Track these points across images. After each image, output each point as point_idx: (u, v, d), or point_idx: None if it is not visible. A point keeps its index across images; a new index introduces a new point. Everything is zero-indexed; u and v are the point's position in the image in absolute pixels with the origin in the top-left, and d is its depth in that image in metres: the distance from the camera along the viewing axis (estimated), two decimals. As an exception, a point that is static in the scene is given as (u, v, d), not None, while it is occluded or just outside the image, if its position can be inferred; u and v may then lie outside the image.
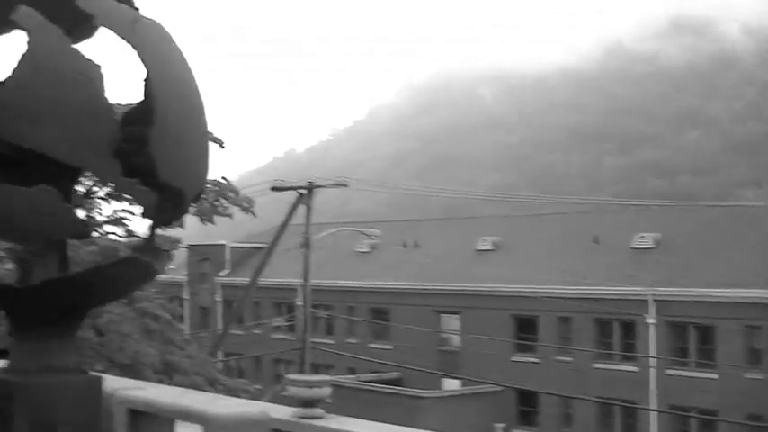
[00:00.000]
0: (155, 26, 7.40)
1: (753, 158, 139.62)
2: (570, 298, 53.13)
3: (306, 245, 37.66)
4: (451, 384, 57.62)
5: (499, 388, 52.01)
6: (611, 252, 55.64)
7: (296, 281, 61.53)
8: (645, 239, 55.52)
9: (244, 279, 65.04)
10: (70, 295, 7.47)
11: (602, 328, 54.09)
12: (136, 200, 7.32)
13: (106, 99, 6.79)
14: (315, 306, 49.03)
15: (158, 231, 8.34)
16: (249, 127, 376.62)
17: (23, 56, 6.72)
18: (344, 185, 41.36)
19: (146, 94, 7.15)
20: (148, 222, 7.91)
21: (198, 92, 7.69)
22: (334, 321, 65.62)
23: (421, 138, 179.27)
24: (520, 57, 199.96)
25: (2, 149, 7.58)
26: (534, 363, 55.50)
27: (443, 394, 55.14)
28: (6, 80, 6.68)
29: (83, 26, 7.67)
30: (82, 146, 6.69)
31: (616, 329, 53.68)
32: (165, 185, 7.27)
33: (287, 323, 66.99)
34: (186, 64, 7.61)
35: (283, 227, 37.98)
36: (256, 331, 68.32)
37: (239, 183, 33.40)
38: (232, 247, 75.97)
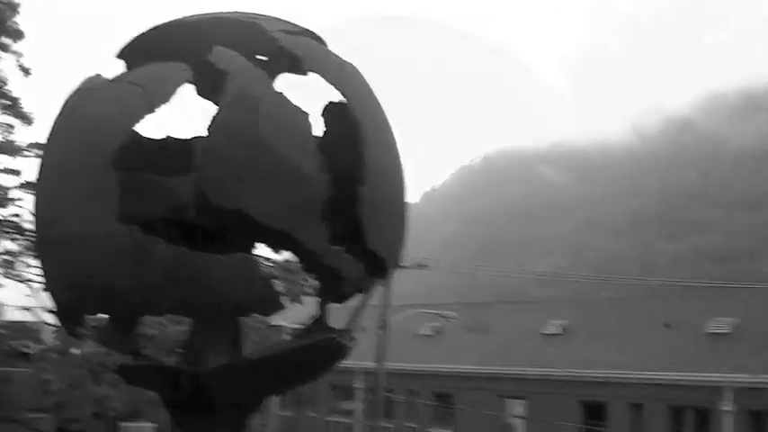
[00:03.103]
0: (358, 72, 6.54)
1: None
2: (642, 383, 51.51)
3: (383, 327, 36.67)
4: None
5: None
6: (684, 336, 53.94)
7: (356, 363, 60.49)
8: (721, 324, 53.82)
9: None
10: (255, 381, 6.48)
11: (675, 416, 52.23)
12: (339, 271, 6.29)
13: (317, 153, 5.89)
14: (375, 389, 47.96)
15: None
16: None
17: (223, 103, 5.85)
18: (426, 266, 40.44)
19: (349, 145, 6.20)
20: (329, 297, 6.97)
21: (398, 148, 6.78)
22: (393, 405, 64.17)
23: (475, 220, 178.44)
24: (584, 134, 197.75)
25: (184, 215, 6.69)
26: (603, 451, 53.75)
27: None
28: (209, 132, 5.77)
29: (278, 66, 6.77)
30: (293, 209, 5.76)
31: (689, 417, 51.82)
32: (370, 254, 6.35)
33: (349, 408, 65.69)
34: (386, 116, 6.71)
35: (360, 308, 36.80)
36: (312, 414, 67.03)
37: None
38: (292, 329, 74.85)
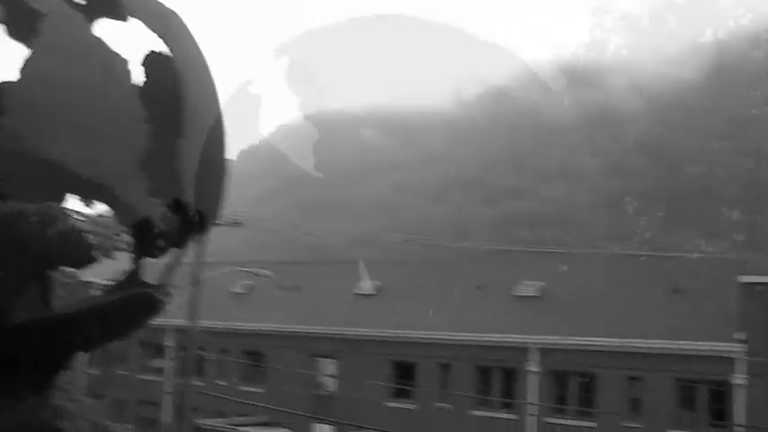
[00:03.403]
0: (182, 22, 6.25)
1: (615, 213, 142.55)
2: (451, 344, 52.68)
3: (196, 284, 36.27)
4: (324, 430, 56.47)
5: (375, 434, 51.01)
6: (494, 299, 55.37)
7: (167, 321, 59.70)
8: (529, 287, 55.42)
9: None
10: (61, 337, 6.17)
11: (482, 375, 53.65)
12: (156, 225, 6.05)
13: (136, 102, 5.61)
14: (187, 346, 47.50)
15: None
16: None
17: (36, 46, 5.50)
18: (240, 224, 40.07)
19: (170, 96, 5.92)
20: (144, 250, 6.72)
21: (219, 102, 6.54)
22: (204, 363, 63.70)
23: (291, 180, 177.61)
24: (405, 98, 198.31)
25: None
26: (412, 409, 54.69)
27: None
28: (20, 75, 5.42)
29: (97, 9, 6.39)
30: (109, 159, 5.48)
31: (497, 377, 53.30)
32: (189, 208, 6.11)
33: (159, 365, 64.94)
34: (209, 69, 6.46)
35: (176, 263, 36.21)
36: (122, 372, 65.93)
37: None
38: (103, 285, 73.15)
